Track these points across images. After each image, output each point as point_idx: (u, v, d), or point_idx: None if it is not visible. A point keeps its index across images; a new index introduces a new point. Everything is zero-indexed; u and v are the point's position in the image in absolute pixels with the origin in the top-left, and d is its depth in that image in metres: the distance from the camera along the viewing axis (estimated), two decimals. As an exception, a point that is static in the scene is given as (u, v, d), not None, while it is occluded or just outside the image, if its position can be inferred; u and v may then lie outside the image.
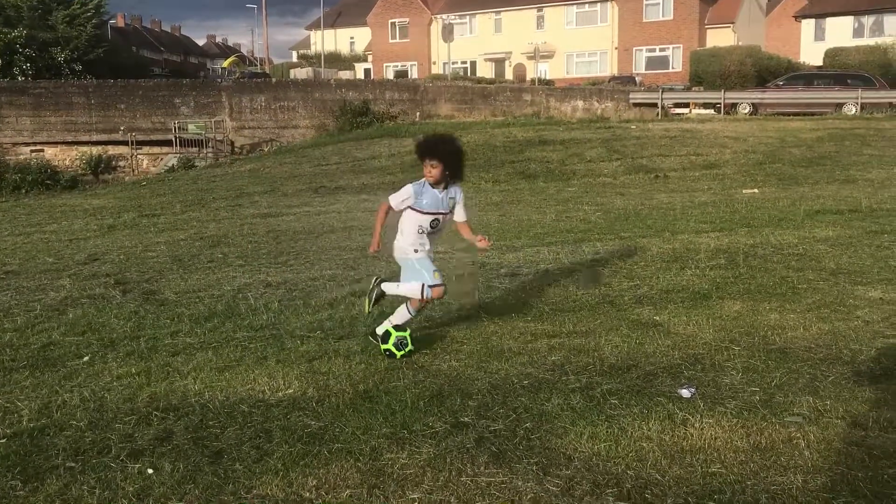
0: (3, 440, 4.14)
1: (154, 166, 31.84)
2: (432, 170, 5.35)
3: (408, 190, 5.42)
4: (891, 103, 28.22)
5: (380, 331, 5.54)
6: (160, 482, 3.61)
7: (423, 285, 5.43)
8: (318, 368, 5.17)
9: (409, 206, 5.41)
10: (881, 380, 4.66)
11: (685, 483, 3.46)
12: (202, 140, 31.49)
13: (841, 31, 45.67)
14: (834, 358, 5.06)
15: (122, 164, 32.32)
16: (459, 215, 5.60)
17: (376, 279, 5.82)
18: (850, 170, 17.82)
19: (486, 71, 55.24)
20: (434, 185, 5.40)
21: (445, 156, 5.39)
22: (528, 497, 3.40)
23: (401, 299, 5.72)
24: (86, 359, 5.61)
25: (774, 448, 3.79)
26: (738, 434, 3.94)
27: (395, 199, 5.45)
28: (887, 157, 18.93)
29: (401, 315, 5.61)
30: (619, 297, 6.93)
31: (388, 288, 5.68)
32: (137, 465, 3.79)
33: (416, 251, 5.48)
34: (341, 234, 11.64)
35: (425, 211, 5.40)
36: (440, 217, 5.48)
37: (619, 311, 6.46)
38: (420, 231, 5.44)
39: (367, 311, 5.86)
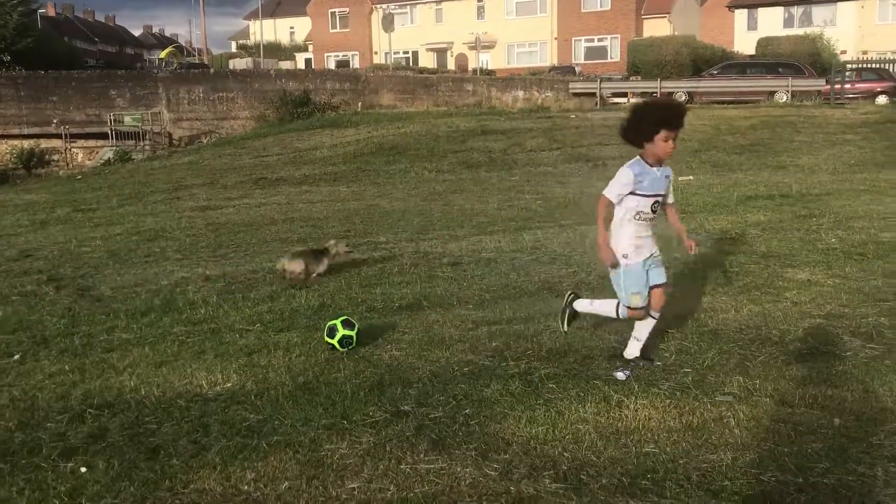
0: (-72, 443, 4.01)
1: (89, 159, 31.00)
2: (673, 142, 4.50)
3: (627, 174, 4.53)
4: (819, 91, 29.08)
5: (629, 354, 4.87)
6: (94, 480, 3.54)
7: (617, 304, 4.78)
8: (257, 361, 5.13)
9: (630, 192, 4.54)
10: (808, 358, 4.83)
11: (620, 463, 3.54)
12: (139, 132, 30.76)
13: (772, 21, 46.84)
14: (763, 338, 5.22)
15: (55, 157, 31.38)
16: (670, 197, 4.80)
17: (570, 295, 5.29)
18: (781, 156, 18.31)
19: (428, 61, 55.18)
20: (655, 162, 4.57)
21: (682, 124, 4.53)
22: (467, 482, 3.43)
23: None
24: (16, 357, 5.47)
25: (706, 427, 3.90)
26: (671, 414, 4.05)
27: (614, 190, 4.55)
28: (816, 144, 19.52)
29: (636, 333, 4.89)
30: (559, 283, 7.02)
31: (581, 306, 5.18)
32: (70, 465, 3.71)
33: (625, 257, 4.65)
34: (282, 225, 11.53)
35: (647, 194, 4.56)
36: (658, 199, 4.63)
37: (559, 297, 6.53)
38: (639, 219, 4.58)
39: (563, 330, 5.31)
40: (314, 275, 7.50)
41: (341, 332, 5.24)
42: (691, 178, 15.81)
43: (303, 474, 3.53)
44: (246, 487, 3.44)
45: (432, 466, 3.56)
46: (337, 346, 5.23)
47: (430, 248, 9.05)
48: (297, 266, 7.42)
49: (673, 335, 5.32)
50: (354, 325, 5.33)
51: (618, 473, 3.45)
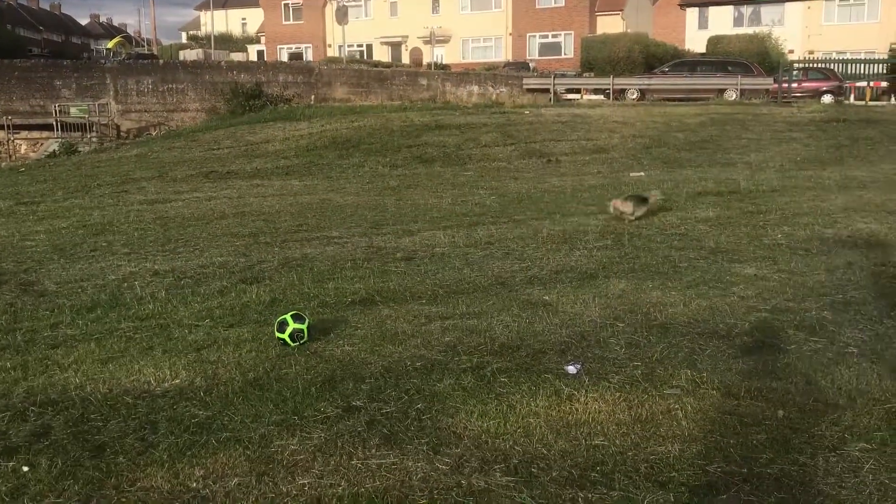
0: None
1: (34, 151, 30.21)
2: None
3: None
4: (767, 90, 29.72)
5: None
6: (36, 479, 3.46)
7: None
8: (206, 357, 5.06)
9: None
10: (754, 351, 4.93)
11: (570, 456, 3.58)
12: (86, 124, 30.06)
13: (722, 20, 47.65)
14: (711, 332, 5.31)
15: (-3, 149, 30.52)
16: None
17: None
18: (730, 153, 18.67)
19: (382, 54, 54.94)
20: None
21: None
22: (419, 476, 3.43)
23: None
24: (-45, 354, 5.30)
25: (654, 419, 3.96)
26: (620, 407, 4.10)
27: None
28: (764, 141, 19.94)
29: None
30: (511, 278, 7.06)
31: None
32: (11, 464, 3.62)
33: None
34: (233, 219, 11.38)
35: None
36: None
37: (511, 291, 6.59)
38: None
39: None
40: (635, 217, 9.33)
41: (292, 325, 5.19)
42: (642, 174, 16.03)
43: (252, 471, 3.49)
44: (194, 485, 3.40)
45: (384, 461, 3.56)
46: (288, 340, 5.18)
47: (383, 243, 9.02)
48: (627, 207, 9.40)
49: (623, 329, 5.38)
50: (305, 319, 5.28)
51: (568, 466, 3.48)
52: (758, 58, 34.88)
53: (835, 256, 7.48)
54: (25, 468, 3.57)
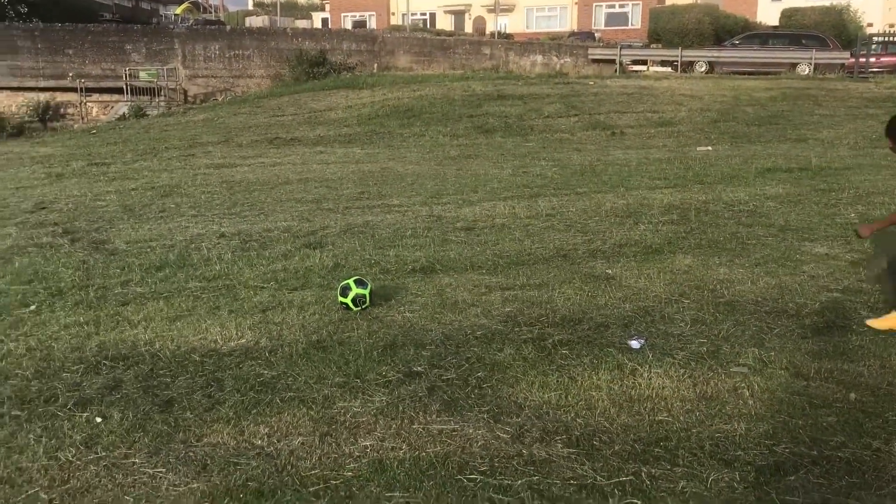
0: (-54, 389, 4.05)
1: (104, 114, 30.94)
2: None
3: None
4: (843, 64, 28.61)
5: None
6: (108, 431, 3.57)
7: None
8: (271, 318, 5.14)
9: None
10: (824, 332, 4.79)
11: (633, 430, 3.54)
12: (154, 88, 30.63)
13: (797, -8, 45.89)
14: (780, 311, 5.18)
15: (70, 111, 31.33)
16: None
17: None
18: (801, 129, 18.08)
19: (445, 23, 54.52)
20: None
21: None
22: (479, 444, 3.44)
23: None
24: (32, 308, 5.50)
25: (720, 397, 3.88)
26: (685, 384, 4.03)
27: None
28: (837, 117, 19.24)
29: None
30: (573, 250, 6.99)
31: None
32: (85, 414, 3.74)
33: None
34: (297, 185, 11.50)
35: None
36: None
37: (573, 264, 6.52)
38: None
39: None
40: None
41: (354, 290, 5.24)
42: (710, 148, 15.65)
43: (316, 431, 3.55)
44: (259, 442, 3.46)
45: (444, 427, 3.57)
46: (350, 304, 5.23)
47: (443, 213, 9.01)
48: None
49: (689, 306, 5.28)
50: (367, 285, 5.32)
51: (630, 440, 3.44)
52: (834, 31, 33.53)
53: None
54: (98, 419, 3.69)
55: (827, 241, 7.14)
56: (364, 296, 5.25)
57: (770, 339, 4.68)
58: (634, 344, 4.58)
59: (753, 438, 3.46)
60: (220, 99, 30.88)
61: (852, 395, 3.88)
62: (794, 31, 32.99)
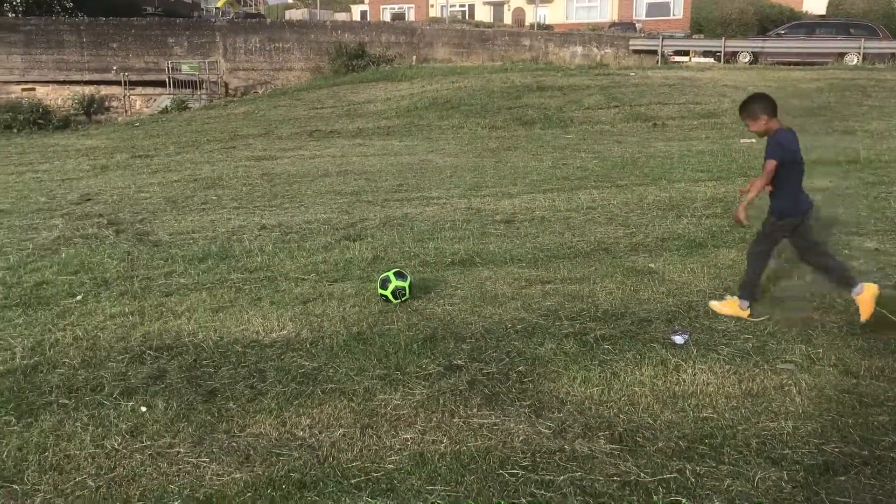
0: (-3, 377, 4.14)
1: (147, 107, 31.41)
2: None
3: None
4: (893, 54, 27.88)
5: None
6: (153, 420, 3.62)
7: None
8: (312, 310, 5.17)
9: None
10: (874, 329, 4.67)
11: (677, 427, 3.48)
12: (196, 81, 31.02)
13: (845, -20, 44.81)
14: (828, 306, 5.07)
15: (114, 104, 31.86)
16: None
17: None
18: (849, 120, 17.66)
19: (484, 15, 54.32)
20: None
21: None
22: (520, 439, 3.42)
23: None
24: (79, 298, 5.60)
25: (766, 394, 3.81)
26: (730, 380, 3.96)
27: None
28: (887, 109, 18.76)
29: None
30: (615, 244, 6.91)
31: None
32: (131, 403, 3.80)
33: None
34: (336, 178, 11.54)
35: None
36: None
37: (615, 258, 6.45)
38: None
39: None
40: None
41: (394, 283, 5.24)
42: (753, 140, 15.37)
43: (357, 423, 3.56)
44: (301, 433, 3.48)
45: (485, 421, 3.55)
46: (390, 297, 5.23)
47: (482, 205, 8.97)
48: None
49: (733, 300, 5.18)
50: (407, 277, 5.32)
51: (675, 437, 3.39)
52: (884, 20, 32.72)
53: (966, 232, 6.99)
54: (143, 409, 3.74)
55: (877, 235, 6.96)
56: (403, 288, 5.25)
57: (818, 335, 4.58)
58: (678, 339, 4.51)
59: (801, 437, 3.38)
60: (260, 92, 31.16)
61: (904, 394, 3.78)
62: (842, 20, 32.26)
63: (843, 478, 3.07)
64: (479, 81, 23.76)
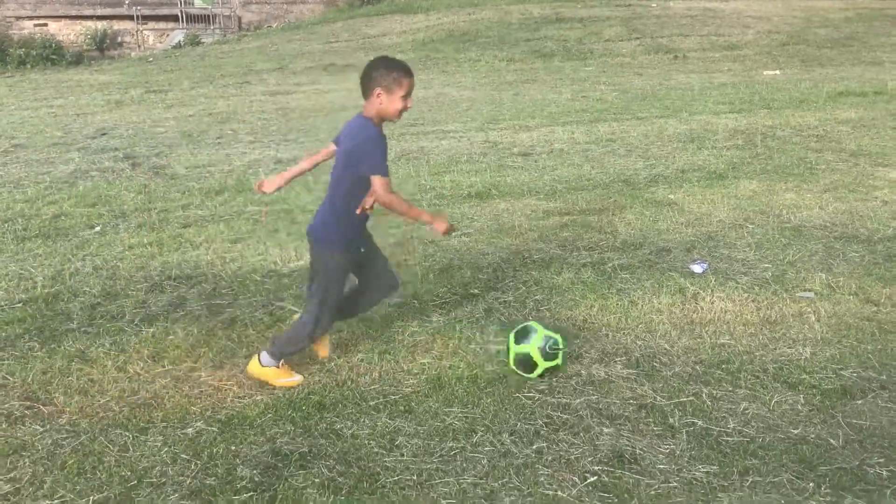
0: (20, 304, 4.19)
1: (160, 42, 31.10)
2: None
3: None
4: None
5: None
6: (174, 345, 3.66)
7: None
8: (329, 241, 5.15)
9: None
10: (896, 258, 4.62)
11: (694, 353, 3.48)
12: (209, 15, 30.62)
13: None
14: (850, 236, 5.01)
15: (127, 39, 31.56)
16: None
17: None
18: (877, 51, 17.22)
19: (501, -55, 52.89)
20: None
21: None
22: (538, 364, 3.43)
23: None
24: (97, 229, 5.62)
25: (784, 322, 3.79)
26: (748, 308, 3.95)
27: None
28: (916, 39, 18.28)
29: None
30: (634, 175, 6.83)
31: None
32: (152, 330, 3.84)
33: None
34: (351, 112, 11.33)
35: None
36: None
37: (634, 189, 6.38)
38: None
39: None
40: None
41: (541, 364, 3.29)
42: (778, 72, 15.04)
43: (375, 348, 3.58)
44: (320, 358, 3.51)
45: (502, 348, 3.56)
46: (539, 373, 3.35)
47: (499, 138, 8.88)
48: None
49: (753, 231, 5.15)
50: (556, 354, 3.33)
51: (691, 362, 3.39)
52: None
53: None
54: (165, 335, 3.78)
55: (901, 166, 6.85)
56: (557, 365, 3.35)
57: (838, 264, 4.54)
58: (697, 268, 4.49)
59: (819, 363, 3.38)
60: (273, 26, 30.72)
61: (925, 322, 3.75)
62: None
63: (860, 401, 3.07)
64: (497, 13, 23.28)
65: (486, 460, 2.71)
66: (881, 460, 2.68)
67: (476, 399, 3.13)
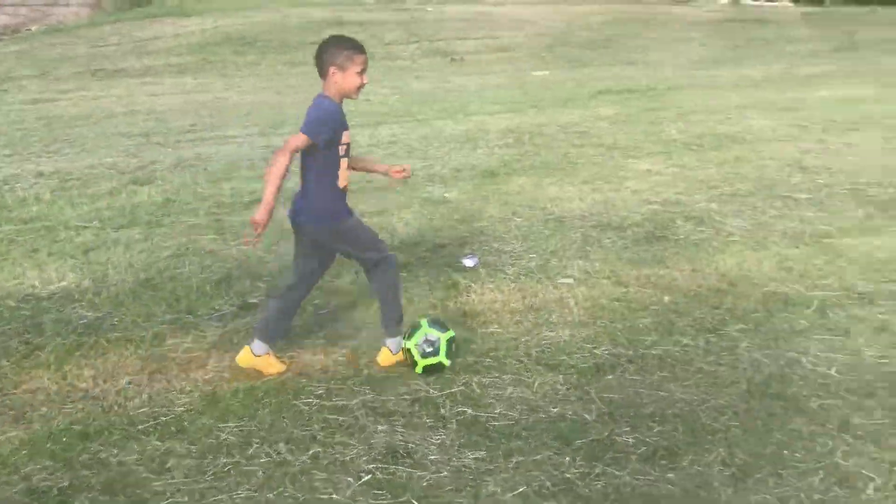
0: None
1: None
2: None
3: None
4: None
5: None
6: (-89, 387, 3.30)
7: None
8: (95, 259, 4.88)
9: None
10: (643, 242, 5.11)
11: (465, 343, 3.65)
12: (-46, 17, 27.66)
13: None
14: (605, 224, 5.46)
15: None
16: None
17: None
18: (632, 52, 18.79)
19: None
20: None
21: None
22: (317, 368, 3.47)
23: None
24: None
25: (547, 307, 4.08)
26: (514, 297, 4.20)
27: None
28: (664, 40, 20.15)
29: None
30: (413, 176, 6.97)
31: None
32: None
33: None
34: (122, 119, 10.81)
35: None
36: None
37: (412, 190, 6.55)
38: None
39: None
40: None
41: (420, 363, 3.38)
42: (546, 72, 16.02)
43: (144, 369, 3.44)
44: (84, 385, 3.32)
45: (280, 354, 3.54)
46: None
47: (282, 143, 8.76)
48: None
49: (520, 224, 5.47)
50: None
51: (463, 353, 3.56)
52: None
53: (725, 151, 7.73)
54: None
55: (650, 157, 7.55)
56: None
57: (595, 251, 4.94)
58: (469, 262, 4.71)
59: (576, 343, 3.67)
60: (33, 29, 28.33)
61: (666, 298, 4.18)
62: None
63: (610, 376, 3.37)
64: (276, 16, 22.93)
65: (261, 472, 2.70)
66: (627, 429, 2.97)
67: (253, 411, 3.10)
